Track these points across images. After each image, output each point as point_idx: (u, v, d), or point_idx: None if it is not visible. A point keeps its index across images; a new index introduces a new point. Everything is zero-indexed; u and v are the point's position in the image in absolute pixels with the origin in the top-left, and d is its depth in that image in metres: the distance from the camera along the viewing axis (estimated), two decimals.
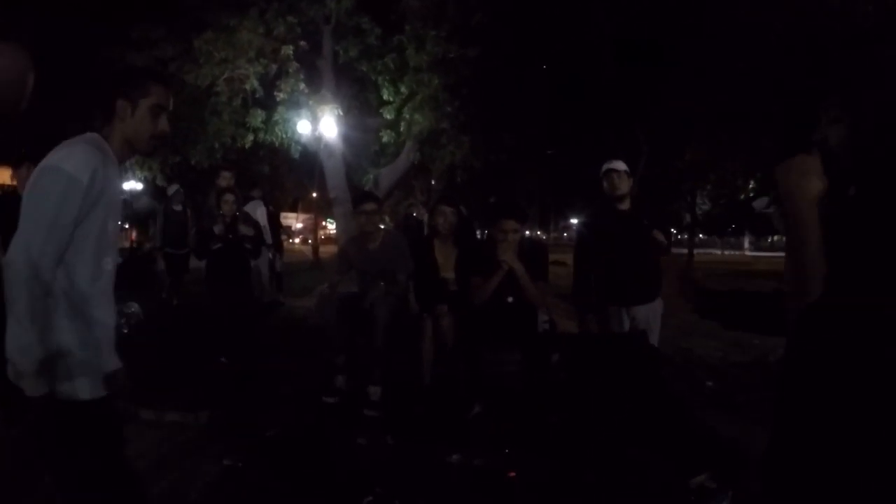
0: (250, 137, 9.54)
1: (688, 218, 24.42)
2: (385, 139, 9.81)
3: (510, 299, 4.32)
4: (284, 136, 9.46)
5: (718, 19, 8.70)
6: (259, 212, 8.66)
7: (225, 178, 7.36)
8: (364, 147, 11.07)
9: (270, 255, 8.93)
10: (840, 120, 1.32)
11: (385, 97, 9.26)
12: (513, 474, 3.04)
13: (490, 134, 11.47)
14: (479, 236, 12.27)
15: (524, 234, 4.40)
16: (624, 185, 4.41)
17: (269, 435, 3.32)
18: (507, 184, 17.30)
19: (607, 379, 4.12)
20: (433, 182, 19.04)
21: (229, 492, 2.86)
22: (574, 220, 40.56)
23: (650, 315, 4.53)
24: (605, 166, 4.49)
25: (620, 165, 4.47)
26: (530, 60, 9.94)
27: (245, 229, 5.79)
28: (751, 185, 18.74)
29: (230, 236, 5.63)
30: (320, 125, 9.18)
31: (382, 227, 4.98)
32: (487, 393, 4.15)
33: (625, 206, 4.44)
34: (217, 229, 5.61)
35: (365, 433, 3.64)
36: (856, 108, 1.31)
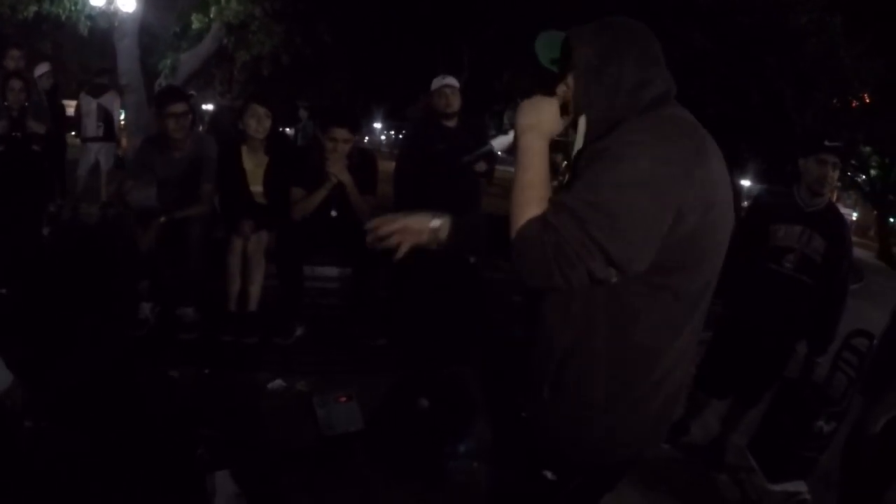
0: (33, 8, 7.86)
1: (493, 135, 25.52)
2: (196, 24, 8.63)
3: (334, 213, 4.11)
4: (73, 8, 7.92)
5: None
6: (115, 104, 7.92)
7: (13, 59, 6.05)
8: (162, 28, 9.69)
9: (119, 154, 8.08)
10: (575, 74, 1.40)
11: None
12: (343, 399, 2.96)
13: (304, 26, 10.67)
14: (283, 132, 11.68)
15: (354, 144, 4.11)
16: (456, 103, 4.33)
17: (72, 384, 2.85)
18: (315, 81, 16.45)
19: (430, 298, 4.16)
20: (235, 73, 17.60)
21: (37, 463, 2.35)
22: (378, 125, 40.17)
23: None
24: (439, 82, 4.35)
25: (454, 81, 4.36)
26: None
27: (35, 126, 4.71)
28: None
29: (16, 134, 4.56)
30: None
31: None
32: (309, 314, 3.97)
33: (452, 123, 4.37)
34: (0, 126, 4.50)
35: (179, 366, 3.30)
36: (576, 57, 1.39)
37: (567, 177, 1.48)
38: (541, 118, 1.39)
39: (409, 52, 12.80)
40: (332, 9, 10.80)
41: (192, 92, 4.94)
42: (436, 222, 1.55)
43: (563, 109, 1.43)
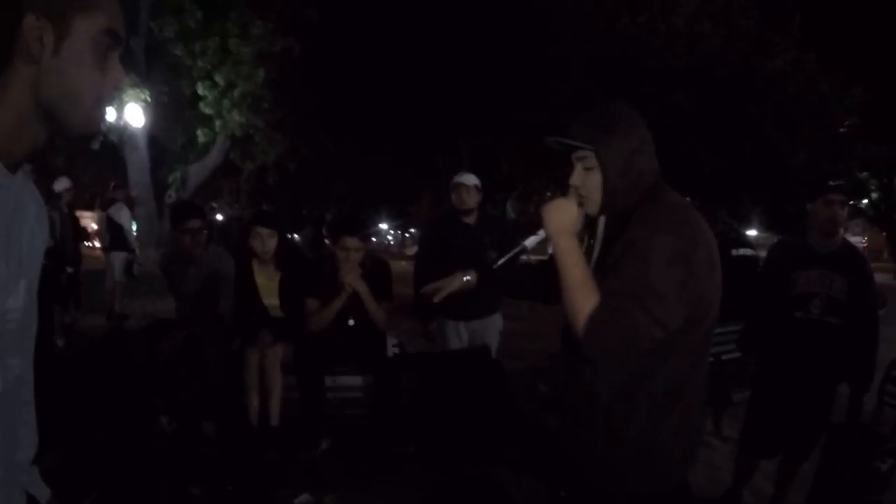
0: None
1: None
2: (202, 138, 8.90)
3: (351, 322, 4.07)
4: None
5: (546, 39, 9.16)
6: (123, 215, 8.17)
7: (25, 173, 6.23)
8: (169, 141, 10.00)
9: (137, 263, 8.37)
10: (593, 168, 1.63)
11: (200, 91, 8.36)
12: None
13: (306, 134, 11.05)
14: (290, 237, 11.84)
15: (367, 252, 4.12)
16: (472, 200, 4.40)
17: (90, 500, 2.73)
18: (319, 185, 16.89)
19: (456, 399, 4.05)
20: (242, 183, 18.08)
21: None
22: (383, 226, 40.73)
23: (488, 329, 4.57)
24: (456, 179, 4.46)
25: (471, 180, 4.44)
26: (357, 62, 9.68)
27: None
28: (548, 195, 20.35)
29: None
30: (125, 113, 8.05)
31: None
32: (333, 425, 3.84)
33: (470, 219, 4.42)
34: None
35: (200, 483, 3.17)
36: (604, 160, 1.61)
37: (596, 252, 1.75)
38: (566, 219, 1.65)
39: (409, 152, 13.18)
40: (331, 116, 11.20)
41: (214, 204, 5.02)
42: (467, 277, 2.10)
43: (579, 196, 1.68)
